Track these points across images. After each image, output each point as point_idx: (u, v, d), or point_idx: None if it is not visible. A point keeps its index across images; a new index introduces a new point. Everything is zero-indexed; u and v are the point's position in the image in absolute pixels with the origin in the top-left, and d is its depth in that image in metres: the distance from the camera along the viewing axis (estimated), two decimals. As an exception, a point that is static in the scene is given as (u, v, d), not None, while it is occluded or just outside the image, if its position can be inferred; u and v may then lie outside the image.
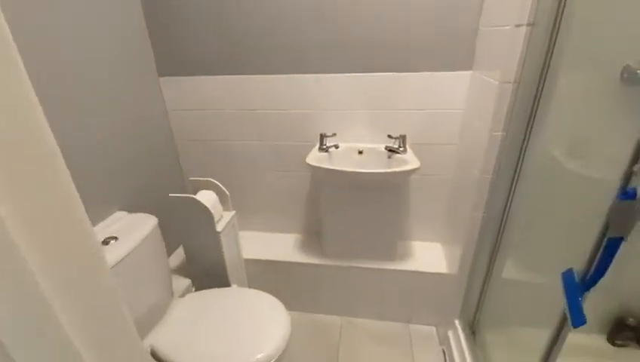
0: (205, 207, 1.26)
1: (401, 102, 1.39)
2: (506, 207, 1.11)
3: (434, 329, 1.59)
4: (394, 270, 1.50)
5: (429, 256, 1.57)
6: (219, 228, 1.32)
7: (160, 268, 1.21)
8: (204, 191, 1.37)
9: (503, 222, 1.13)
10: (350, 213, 1.45)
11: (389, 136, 1.43)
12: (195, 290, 1.45)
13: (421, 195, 1.55)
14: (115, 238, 1.05)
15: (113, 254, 0.98)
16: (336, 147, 1.46)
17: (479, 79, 1.19)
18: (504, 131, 1.02)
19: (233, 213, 1.43)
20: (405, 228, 1.65)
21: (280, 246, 1.67)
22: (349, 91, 1.40)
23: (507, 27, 0.95)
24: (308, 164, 1.31)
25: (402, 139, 1.39)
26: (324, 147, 1.45)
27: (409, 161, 1.32)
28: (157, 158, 1.50)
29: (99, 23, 1.16)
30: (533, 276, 1.22)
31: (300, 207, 1.70)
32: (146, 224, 1.15)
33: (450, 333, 1.41)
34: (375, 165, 1.42)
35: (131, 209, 1.26)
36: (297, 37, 1.34)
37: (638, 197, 0.55)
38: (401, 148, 1.39)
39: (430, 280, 1.49)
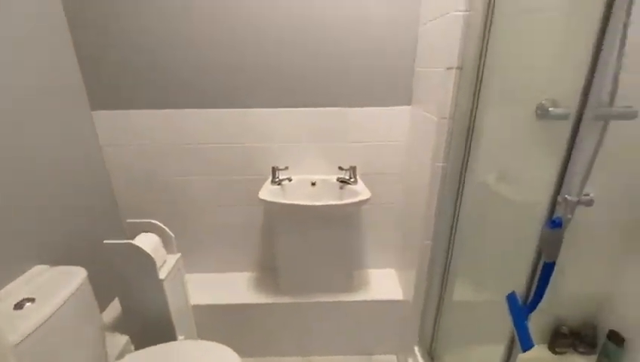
0: (145, 252, 1.14)
1: (349, 135, 1.43)
2: (451, 232, 1.17)
3: (395, 358, 1.58)
4: (352, 301, 1.48)
5: (385, 283, 1.59)
6: (162, 274, 1.20)
7: (90, 329, 1.05)
8: (144, 235, 1.25)
9: (451, 246, 1.19)
10: (305, 246, 1.42)
11: (340, 168, 1.45)
12: (135, 348, 1.28)
13: (373, 224, 1.59)
14: (32, 300, 0.89)
15: (28, 320, 0.83)
16: (289, 180, 1.45)
17: (419, 114, 1.28)
18: (445, 162, 1.10)
19: (178, 255, 1.32)
20: (360, 257, 1.66)
21: (232, 287, 1.57)
22: (299, 125, 1.42)
23: (439, 69, 1.04)
24: (261, 199, 1.27)
25: (352, 170, 1.43)
26: (277, 180, 1.43)
27: (360, 191, 1.34)
28: (88, 200, 1.34)
29: (20, 51, 1.04)
30: (481, 295, 1.29)
31: (252, 243, 1.63)
32: (72, 278, 1.00)
33: (410, 361, 1.41)
34: (328, 196, 1.42)
35: (55, 261, 1.09)
36: (243, 72, 1.33)
37: (564, 226, 0.61)
38: (351, 180, 1.42)
39: (387, 308, 1.49)
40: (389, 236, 1.60)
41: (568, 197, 0.61)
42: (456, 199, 1.12)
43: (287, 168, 1.45)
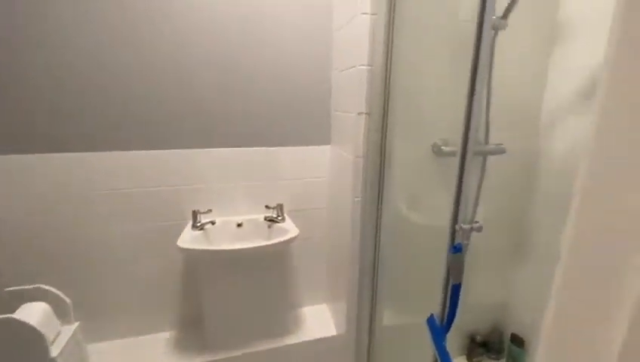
0: (30, 326, 0.93)
1: (273, 174, 1.45)
2: (375, 260, 1.24)
3: (332, 397, 1.54)
4: (287, 345, 1.41)
5: (318, 320, 1.57)
6: (54, 351, 0.99)
7: None
8: (30, 305, 1.03)
9: (375, 274, 1.25)
10: (234, 292, 1.34)
11: (267, 207, 1.44)
12: None
13: (303, 260, 1.59)
14: None
15: None
16: (213, 223, 1.37)
17: (338, 153, 1.37)
18: (363, 196, 1.18)
19: (76, 324, 1.11)
20: (293, 297, 1.62)
21: (150, 351, 1.36)
22: (220, 166, 1.38)
23: (352, 114, 1.15)
24: (180, 248, 1.17)
25: (280, 208, 1.43)
26: (199, 224, 1.34)
27: (288, 229, 1.34)
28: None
29: None
30: (407, 320, 1.37)
31: (172, 298, 1.46)
32: None
33: (348, 398, 1.39)
34: (256, 236, 1.39)
35: None
36: (158, 111, 1.27)
37: (463, 250, 0.70)
38: (279, 217, 1.42)
39: (323, 346, 1.47)
40: (319, 271, 1.62)
41: (463, 226, 0.71)
42: (376, 230, 1.20)
43: (210, 211, 1.38)
